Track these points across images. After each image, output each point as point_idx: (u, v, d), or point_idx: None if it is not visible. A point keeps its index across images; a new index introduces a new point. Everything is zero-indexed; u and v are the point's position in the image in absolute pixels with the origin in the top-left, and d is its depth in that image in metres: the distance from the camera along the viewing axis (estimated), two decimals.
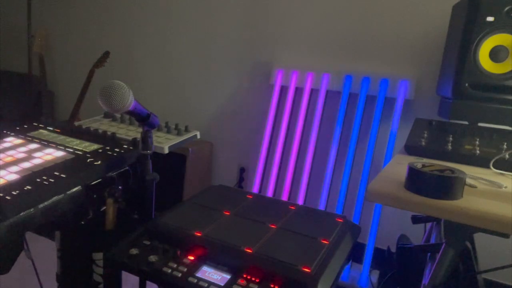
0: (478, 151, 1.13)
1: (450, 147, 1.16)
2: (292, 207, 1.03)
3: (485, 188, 0.92)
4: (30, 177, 0.87)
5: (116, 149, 1.04)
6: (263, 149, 2.12)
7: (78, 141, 1.10)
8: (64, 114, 2.90)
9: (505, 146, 1.13)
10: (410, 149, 1.20)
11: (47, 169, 0.91)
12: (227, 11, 2.28)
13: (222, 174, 2.43)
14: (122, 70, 2.67)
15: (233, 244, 0.82)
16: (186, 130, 1.27)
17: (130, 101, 0.87)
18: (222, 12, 2.30)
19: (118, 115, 1.38)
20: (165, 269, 0.77)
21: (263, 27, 2.19)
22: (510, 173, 1.05)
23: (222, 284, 0.74)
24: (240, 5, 2.24)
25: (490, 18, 1.24)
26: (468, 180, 0.93)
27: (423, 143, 1.19)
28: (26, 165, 0.93)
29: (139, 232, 0.87)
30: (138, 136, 1.03)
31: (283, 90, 2.12)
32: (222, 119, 2.39)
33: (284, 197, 2.05)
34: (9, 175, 0.87)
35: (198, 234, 0.85)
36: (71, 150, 1.03)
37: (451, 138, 1.19)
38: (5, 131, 1.15)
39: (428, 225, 1.45)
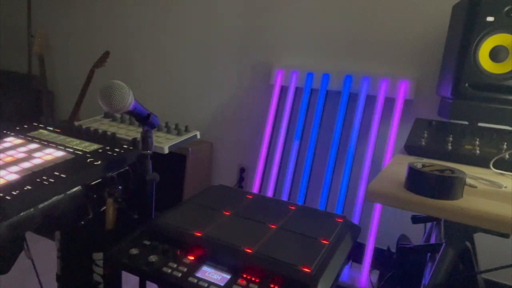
0: (478, 151, 1.13)
1: (450, 147, 1.16)
2: (292, 207, 1.03)
3: (485, 188, 0.92)
4: (30, 177, 0.87)
5: (116, 149, 1.04)
6: (263, 149, 2.12)
7: (78, 141, 1.10)
8: (64, 114, 2.90)
9: (505, 146, 1.13)
10: (410, 149, 1.20)
11: (47, 169, 0.91)
12: (227, 11, 2.28)
13: (222, 174, 2.43)
14: (122, 70, 2.67)
15: (233, 244, 0.82)
16: (186, 130, 1.27)
17: (130, 101, 0.87)
18: (223, 12, 2.30)
19: (118, 115, 1.38)
20: (165, 269, 0.77)
21: (263, 27, 2.19)
22: (510, 173, 1.05)
23: (222, 284, 0.74)
24: (240, 5, 2.24)
25: (490, 18, 1.24)
26: (468, 180, 0.93)
27: (423, 143, 1.19)
28: (26, 165, 0.93)
29: (139, 232, 0.87)
30: (138, 136, 1.03)
31: (283, 90, 2.12)
32: (222, 119, 2.39)
33: (284, 197, 2.05)
34: (9, 175, 0.87)
35: (198, 234, 0.85)
36: (71, 150, 1.03)
37: (451, 138, 1.19)
38: (5, 131, 1.15)
39: (428, 225, 1.45)
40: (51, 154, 1.00)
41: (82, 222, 0.93)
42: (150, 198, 1.00)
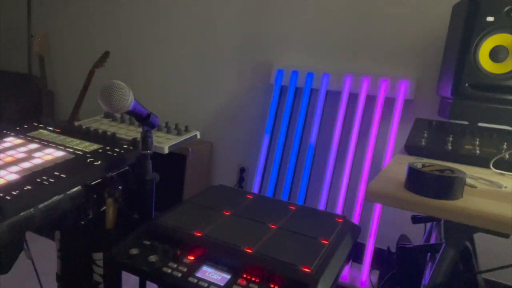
0: (478, 151, 1.13)
1: (450, 147, 1.16)
2: (292, 207, 1.03)
3: (485, 188, 0.92)
4: (30, 177, 0.87)
5: (116, 149, 1.04)
6: (263, 149, 2.12)
7: (78, 141, 1.10)
8: (64, 114, 2.90)
9: (505, 146, 1.13)
10: (410, 149, 1.20)
11: (47, 169, 0.91)
12: (227, 11, 2.28)
13: (222, 174, 2.43)
14: (122, 70, 2.67)
15: (233, 244, 0.82)
16: (186, 130, 1.27)
17: (130, 101, 0.87)
18: (222, 12, 2.30)
19: (118, 115, 1.38)
20: (165, 269, 0.77)
21: (263, 27, 2.19)
22: (510, 173, 1.05)
23: (222, 284, 0.74)
24: (240, 5, 2.24)
25: (490, 18, 1.24)
26: (468, 180, 0.93)
27: (423, 143, 1.19)
28: (26, 165, 0.93)
29: (139, 232, 0.87)
30: (138, 136, 1.03)
31: (283, 90, 2.12)
32: (222, 119, 2.39)
33: (284, 197, 2.05)
34: (9, 175, 0.87)
35: (198, 234, 0.85)
36: (71, 150, 1.03)
37: (451, 138, 1.19)
38: (5, 131, 1.15)
39: (428, 225, 1.45)
40: (51, 154, 1.00)
41: (82, 222, 0.93)
42: (150, 198, 1.00)
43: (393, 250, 1.53)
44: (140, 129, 0.98)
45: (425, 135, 1.23)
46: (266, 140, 2.12)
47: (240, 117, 2.33)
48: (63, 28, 2.93)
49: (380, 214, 1.83)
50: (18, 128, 1.18)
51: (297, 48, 2.12)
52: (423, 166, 0.87)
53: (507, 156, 1.08)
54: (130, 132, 1.24)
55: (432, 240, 1.31)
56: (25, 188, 0.81)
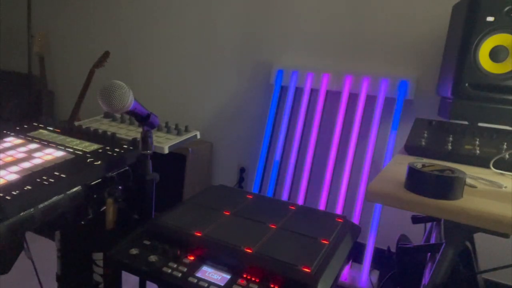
0: (478, 151, 1.13)
1: (450, 147, 1.16)
2: (292, 207, 1.03)
3: (485, 188, 0.92)
4: (30, 177, 0.87)
5: (116, 149, 1.04)
6: (263, 149, 2.12)
7: (78, 141, 1.10)
8: (64, 114, 2.90)
9: (505, 146, 1.13)
10: (410, 149, 1.20)
11: (47, 169, 0.91)
12: (227, 11, 2.28)
13: (222, 174, 2.43)
14: (122, 70, 2.67)
15: (233, 244, 0.82)
16: (186, 130, 1.27)
17: (130, 101, 0.87)
18: (223, 12, 2.30)
19: (118, 115, 1.38)
20: (165, 269, 0.77)
21: (263, 27, 2.19)
22: (510, 173, 1.05)
23: (222, 284, 0.74)
24: (240, 5, 2.24)
25: (490, 18, 1.24)
26: (468, 180, 0.93)
27: (423, 143, 1.19)
28: (26, 165, 0.93)
29: (139, 232, 0.87)
30: (138, 136, 1.03)
31: (283, 90, 2.12)
32: (222, 119, 2.39)
33: (284, 197, 2.05)
34: (9, 175, 0.87)
35: (198, 234, 0.85)
36: (71, 150, 1.03)
37: (451, 138, 1.19)
38: (5, 131, 1.15)
39: (428, 225, 1.45)
40: (51, 154, 1.00)
41: (82, 222, 0.93)
42: (150, 198, 1.00)
43: (393, 250, 1.53)
44: (140, 129, 0.98)
45: (425, 135, 1.23)
46: (266, 140, 2.12)
47: (240, 117, 2.33)
48: (63, 28, 2.93)
49: (380, 214, 1.83)
50: (18, 128, 1.18)
51: (297, 48, 2.12)
52: (423, 166, 0.87)
53: (507, 156, 1.08)
54: (130, 132, 1.24)
55: (432, 240, 1.31)
56: (25, 188, 0.81)
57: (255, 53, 2.23)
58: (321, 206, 1.96)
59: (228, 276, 0.76)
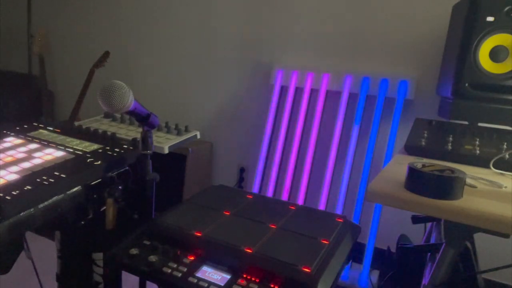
0: (478, 151, 1.13)
1: (450, 147, 1.16)
2: (292, 207, 1.03)
3: (485, 188, 0.92)
4: (30, 177, 0.87)
5: (116, 149, 1.04)
6: (263, 149, 2.12)
7: (78, 141, 1.10)
8: (64, 114, 2.90)
9: (505, 146, 1.13)
10: (410, 149, 1.20)
11: (47, 169, 0.91)
12: (227, 11, 2.28)
13: (222, 174, 2.43)
14: (122, 70, 2.67)
15: (233, 244, 0.82)
16: (186, 130, 1.27)
17: (130, 101, 0.87)
18: (223, 12, 2.30)
19: (118, 115, 1.38)
20: (165, 269, 0.77)
21: (263, 27, 2.19)
22: (510, 173, 1.05)
23: (222, 284, 0.74)
24: (240, 5, 2.24)
25: (490, 18, 1.24)
26: (468, 180, 0.93)
27: (423, 143, 1.19)
28: (26, 165, 0.93)
29: (139, 232, 0.87)
30: (138, 136, 1.03)
31: (283, 90, 2.12)
32: (222, 119, 2.39)
33: (284, 197, 2.05)
34: (9, 175, 0.87)
35: (198, 234, 0.85)
36: (71, 150, 1.03)
37: (451, 138, 1.19)
38: (5, 131, 1.15)
39: (428, 225, 1.45)
40: (51, 154, 1.00)
41: (82, 222, 0.93)
42: (150, 198, 1.00)
43: (393, 250, 1.54)
44: (140, 129, 0.98)
45: (425, 135, 1.23)
46: (266, 140, 2.12)
47: (240, 117, 2.33)
48: (63, 28, 2.92)
49: (380, 214, 1.83)
50: (18, 128, 1.18)
51: (297, 48, 2.12)
52: (423, 166, 0.87)
53: (507, 156, 1.08)
54: (130, 132, 1.24)
55: (432, 240, 1.31)
56: (25, 188, 0.81)
57: (255, 53, 2.23)
58: (321, 206, 1.96)
59: (228, 276, 0.76)
